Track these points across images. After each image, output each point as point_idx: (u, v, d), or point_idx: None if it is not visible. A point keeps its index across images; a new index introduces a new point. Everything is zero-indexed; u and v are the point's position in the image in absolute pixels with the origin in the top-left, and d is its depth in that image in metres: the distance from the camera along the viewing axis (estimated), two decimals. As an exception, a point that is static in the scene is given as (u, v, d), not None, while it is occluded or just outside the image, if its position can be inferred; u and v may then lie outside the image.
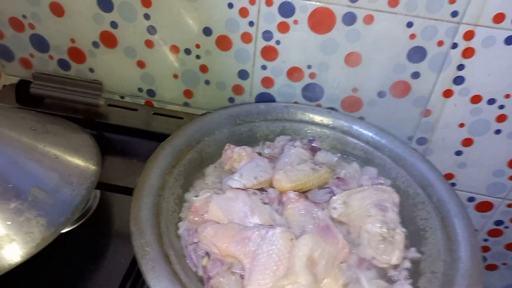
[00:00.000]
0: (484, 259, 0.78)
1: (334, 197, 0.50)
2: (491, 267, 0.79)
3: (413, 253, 0.48)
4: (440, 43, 0.57)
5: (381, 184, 0.54)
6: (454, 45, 0.56)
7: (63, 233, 0.47)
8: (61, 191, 0.45)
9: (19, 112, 0.53)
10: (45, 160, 0.46)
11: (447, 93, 0.61)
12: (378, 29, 0.57)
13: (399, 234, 0.48)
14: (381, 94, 0.63)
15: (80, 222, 0.51)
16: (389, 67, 0.60)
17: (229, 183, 0.50)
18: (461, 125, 0.63)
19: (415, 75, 0.60)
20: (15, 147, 0.44)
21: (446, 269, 0.43)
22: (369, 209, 0.49)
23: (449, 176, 0.69)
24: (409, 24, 0.56)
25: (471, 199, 0.71)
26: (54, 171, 0.46)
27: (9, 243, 0.40)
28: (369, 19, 0.56)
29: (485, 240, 0.75)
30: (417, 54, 0.58)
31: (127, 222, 0.47)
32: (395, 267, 0.46)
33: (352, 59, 0.60)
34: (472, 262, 0.43)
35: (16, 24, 0.67)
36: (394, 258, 0.46)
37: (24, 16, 0.66)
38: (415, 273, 0.46)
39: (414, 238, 0.49)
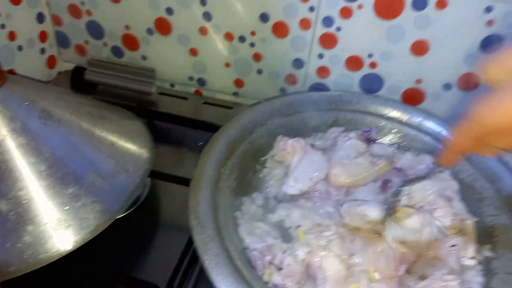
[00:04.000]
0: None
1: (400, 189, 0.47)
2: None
3: (486, 250, 0.44)
4: (522, 30, 0.51)
5: (440, 172, 0.51)
6: (538, 33, 0.51)
7: (114, 220, 0.46)
8: (117, 178, 0.44)
9: (76, 96, 0.53)
10: (102, 146, 0.46)
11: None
12: (451, 14, 0.52)
13: (471, 225, 0.44)
14: (447, 87, 0.59)
15: (131, 210, 0.51)
16: (459, 57, 0.56)
17: (285, 189, 0.48)
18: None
19: (489, 66, 0.55)
20: (74, 131, 0.44)
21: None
22: (435, 200, 0.45)
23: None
24: (488, 9, 0.50)
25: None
26: (111, 157, 0.45)
27: (66, 228, 0.40)
28: (442, 3, 0.52)
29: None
30: (492, 43, 0.53)
31: (176, 212, 0.46)
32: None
33: (419, 48, 0.56)
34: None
35: (74, 10, 0.67)
36: (470, 251, 0.43)
37: (82, 3, 0.66)
38: (487, 272, 0.42)
39: (482, 235, 0.45)
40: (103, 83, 0.68)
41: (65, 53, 0.73)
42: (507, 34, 0.52)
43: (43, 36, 0.69)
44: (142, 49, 0.68)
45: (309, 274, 0.39)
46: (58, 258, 0.38)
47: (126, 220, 0.50)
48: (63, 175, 0.40)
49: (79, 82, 0.70)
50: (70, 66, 0.72)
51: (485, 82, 0.31)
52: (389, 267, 0.39)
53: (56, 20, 0.69)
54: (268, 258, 0.40)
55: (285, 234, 0.44)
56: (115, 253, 0.47)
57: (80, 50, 0.72)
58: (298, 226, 0.43)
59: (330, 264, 0.39)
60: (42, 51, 0.70)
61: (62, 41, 0.72)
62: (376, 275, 0.39)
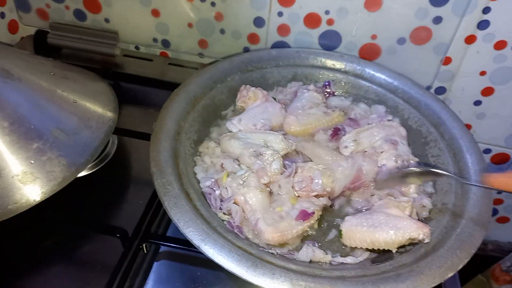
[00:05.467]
0: (496, 211, 0.78)
1: (344, 137, 0.50)
2: (503, 220, 0.79)
3: (429, 187, 0.48)
4: (466, -16, 0.54)
5: (389, 120, 0.55)
6: (481, -14, 0.53)
7: (84, 176, 0.49)
8: (81, 134, 0.46)
9: (38, 58, 0.54)
10: (64, 104, 0.47)
11: (470, 39, 0.58)
12: (400, -31, 0.54)
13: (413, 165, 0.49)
14: (400, 41, 0.61)
15: (100, 167, 0.53)
16: (411, 12, 0.58)
17: (227, 125, 0.52)
18: (482, 73, 0.61)
19: (437, 19, 0.58)
20: (35, 90, 0.45)
21: (457, 200, 0.44)
22: (381, 145, 0.49)
23: (467, 128, 0.67)
24: (434, -37, 0.53)
25: (487, 151, 0.69)
26: (73, 114, 0.47)
27: (33, 180, 0.42)
28: (390, -42, 0.53)
29: (499, 192, 0.74)
30: (440, -3, 0.56)
31: (144, 167, 0.49)
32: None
33: (372, 4, 0.58)
34: (482, 192, 0.43)
35: (31, -28, 0.66)
36: (412, 189, 0.47)
37: (38, -36, 0.65)
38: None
39: (425, 174, 0.49)
40: (66, 47, 0.69)
41: (26, 18, 0.72)
42: (453, -12, 0.54)
43: (1, 0, 0.68)
44: (104, 11, 0.68)
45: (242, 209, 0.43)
46: (27, 208, 0.41)
47: (97, 176, 0.52)
48: (26, 131, 0.42)
49: (43, 47, 0.70)
50: (32, 31, 0.72)
51: None
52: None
53: (14, -17, 0.68)
54: (217, 192, 0.43)
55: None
56: (87, 205, 0.50)
57: (42, 14, 0.71)
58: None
59: (252, 198, 0.42)
60: (2, 15, 0.69)
61: (22, 5, 0.71)
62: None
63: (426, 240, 0.41)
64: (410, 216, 0.43)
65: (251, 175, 0.43)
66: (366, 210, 0.45)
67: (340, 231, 0.43)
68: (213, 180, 0.44)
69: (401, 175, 0.46)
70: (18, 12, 0.72)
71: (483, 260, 0.78)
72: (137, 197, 0.50)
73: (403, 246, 0.41)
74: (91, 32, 0.68)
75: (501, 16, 0.55)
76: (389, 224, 0.41)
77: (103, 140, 0.48)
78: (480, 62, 0.60)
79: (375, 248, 0.41)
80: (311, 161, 0.49)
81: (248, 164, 0.45)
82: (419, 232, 0.40)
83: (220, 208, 0.43)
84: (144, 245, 0.43)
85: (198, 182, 0.45)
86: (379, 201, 0.45)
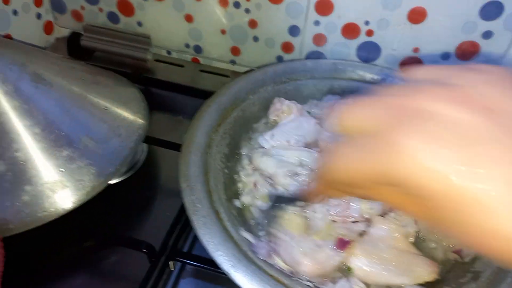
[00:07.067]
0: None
1: None
2: None
3: None
4: (522, -3, 0.50)
5: None
6: (539, 0, 0.50)
7: (112, 184, 0.48)
8: (110, 142, 0.45)
9: (70, 62, 0.53)
10: (95, 111, 0.46)
11: (523, 56, 0.54)
12: (449, -20, 0.51)
13: None
14: (445, 56, 0.58)
15: (129, 175, 0.52)
16: (458, 25, 0.55)
17: (259, 140, 0.50)
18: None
19: (487, 34, 0.54)
20: (66, 95, 0.45)
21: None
22: None
23: None
24: (488, -25, 0.49)
25: None
26: (103, 122, 0.46)
27: (62, 189, 0.41)
28: (440, -31, 0.50)
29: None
30: (492, 10, 0.52)
31: (173, 177, 0.47)
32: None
33: (416, 15, 0.55)
34: None
35: (68, -26, 0.66)
36: None
37: (75, -34, 0.65)
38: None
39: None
40: (99, 49, 0.68)
41: (61, 19, 0.73)
42: (505, 1, 0.51)
43: (38, 1, 0.68)
44: (137, 15, 0.68)
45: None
46: (56, 217, 0.40)
47: (125, 184, 0.51)
48: (56, 138, 0.41)
49: (76, 48, 0.70)
50: (67, 32, 0.72)
51: (338, 130, 0.26)
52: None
53: (51, -15, 0.69)
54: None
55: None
56: (113, 216, 0.49)
57: (77, 15, 0.71)
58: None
59: (288, 223, 0.40)
60: (38, 16, 0.70)
61: (58, 6, 0.71)
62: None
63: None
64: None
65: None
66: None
67: (349, 268, 0.40)
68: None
69: None
70: (53, 13, 0.72)
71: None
72: (165, 208, 0.49)
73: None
74: (123, 35, 0.68)
75: (559, 32, 0.51)
76: (404, 266, 0.39)
77: (132, 148, 0.47)
78: (531, 81, 0.56)
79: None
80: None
81: (283, 184, 0.43)
82: (434, 275, 0.39)
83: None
84: (171, 263, 0.41)
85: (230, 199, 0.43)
86: (383, 226, 0.42)
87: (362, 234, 0.41)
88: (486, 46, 0.55)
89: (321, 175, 0.27)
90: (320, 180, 0.28)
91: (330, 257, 0.37)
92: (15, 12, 0.64)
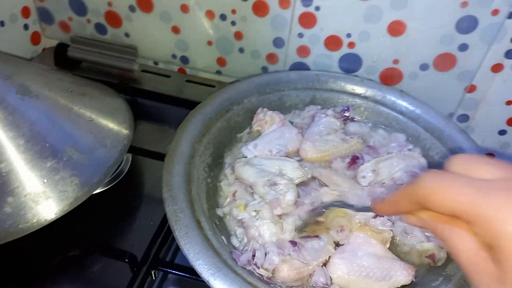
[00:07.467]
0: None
1: (362, 166, 0.49)
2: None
3: None
4: (495, 12, 0.52)
5: (409, 150, 0.53)
6: (511, 15, 0.52)
7: (95, 194, 0.48)
8: (95, 152, 0.46)
9: (56, 73, 0.54)
10: (80, 122, 0.47)
11: (497, 68, 0.56)
12: (426, -5, 0.53)
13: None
14: (423, 67, 0.60)
15: (112, 185, 0.53)
16: (435, 38, 0.57)
17: (242, 150, 0.50)
18: (509, 102, 0.59)
19: (463, 47, 0.56)
20: (52, 107, 0.45)
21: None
22: (401, 176, 0.47)
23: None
24: (462, -10, 0.51)
25: None
26: (88, 132, 0.47)
27: (46, 200, 0.41)
28: (417, -15, 0.52)
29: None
30: (467, 24, 0.54)
31: (157, 186, 0.48)
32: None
33: (395, 28, 0.57)
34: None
35: (55, -14, 0.67)
36: None
37: (62, -21, 0.66)
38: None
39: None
40: (86, 60, 0.69)
41: (49, 30, 0.73)
42: (481, 14, 0.53)
43: (25, 12, 0.69)
44: (124, 26, 0.69)
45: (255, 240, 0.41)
46: (38, 228, 0.40)
47: (108, 194, 0.52)
48: (41, 149, 0.42)
49: (63, 59, 0.70)
50: (54, 43, 0.73)
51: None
52: None
53: (39, -4, 0.69)
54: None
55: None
56: (96, 225, 0.49)
57: (64, 26, 0.72)
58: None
59: (266, 231, 0.41)
60: (26, 27, 0.70)
61: (46, 17, 0.72)
62: None
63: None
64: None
65: (264, 206, 0.42)
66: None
67: None
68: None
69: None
70: (41, 24, 0.73)
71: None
72: (148, 218, 0.50)
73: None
74: (110, 46, 0.69)
75: (531, 46, 0.53)
76: (383, 272, 0.40)
77: (117, 159, 0.47)
78: (506, 92, 0.58)
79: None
80: (327, 186, 0.47)
81: (261, 193, 0.44)
82: (411, 278, 0.40)
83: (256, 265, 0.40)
84: (152, 272, 0.42)
85: (213, 208, 0.44)
86: (361, 234, 0.43)
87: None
88: (462, 58, 0.57)
89: (415, 192, 0.27)
90: (408, 196, 0.28)
91: (308, 263, 0.38)
92: (2, 23, 0.64)
